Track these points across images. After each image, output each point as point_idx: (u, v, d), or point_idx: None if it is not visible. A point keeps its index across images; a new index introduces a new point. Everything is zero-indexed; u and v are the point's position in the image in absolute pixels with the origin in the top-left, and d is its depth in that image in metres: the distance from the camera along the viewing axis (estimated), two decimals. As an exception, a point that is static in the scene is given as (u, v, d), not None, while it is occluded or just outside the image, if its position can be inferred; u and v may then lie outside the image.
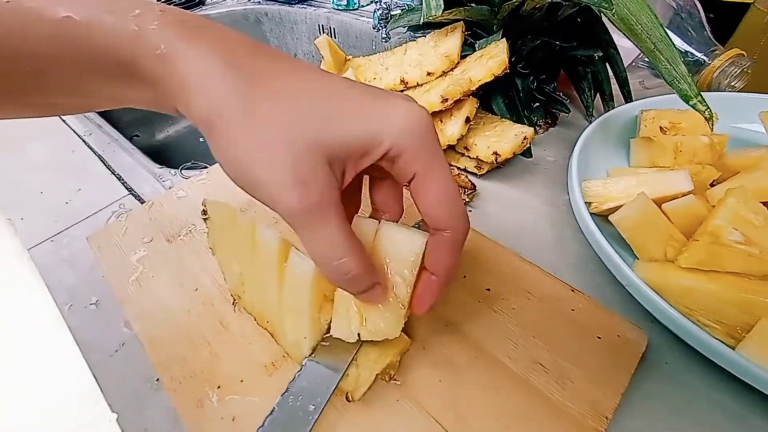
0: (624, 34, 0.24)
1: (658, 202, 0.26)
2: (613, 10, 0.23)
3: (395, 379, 0.22)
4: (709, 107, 0.23)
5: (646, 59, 0.43)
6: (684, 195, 0.25)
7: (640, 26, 0.24)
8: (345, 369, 0.20)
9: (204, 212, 0.25)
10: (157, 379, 0.24)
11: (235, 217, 0.24)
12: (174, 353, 0.24)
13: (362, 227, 0.20)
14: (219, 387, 0.22)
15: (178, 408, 0.21)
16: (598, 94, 0.41)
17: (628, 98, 0.39)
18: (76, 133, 0.47)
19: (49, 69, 0.16)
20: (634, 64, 0.48)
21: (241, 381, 0.22)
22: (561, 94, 0.42)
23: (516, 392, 0.21)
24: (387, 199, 0.21)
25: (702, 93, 0.36)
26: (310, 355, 0.21)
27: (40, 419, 0.24)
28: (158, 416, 0.22)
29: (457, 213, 0.18)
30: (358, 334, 0.20)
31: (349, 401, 0.20)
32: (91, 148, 0.45)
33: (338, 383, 0.20)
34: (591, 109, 0.41)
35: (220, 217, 0.24)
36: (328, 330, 0.22)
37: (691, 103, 0.24)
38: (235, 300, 0.25)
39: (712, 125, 0.24)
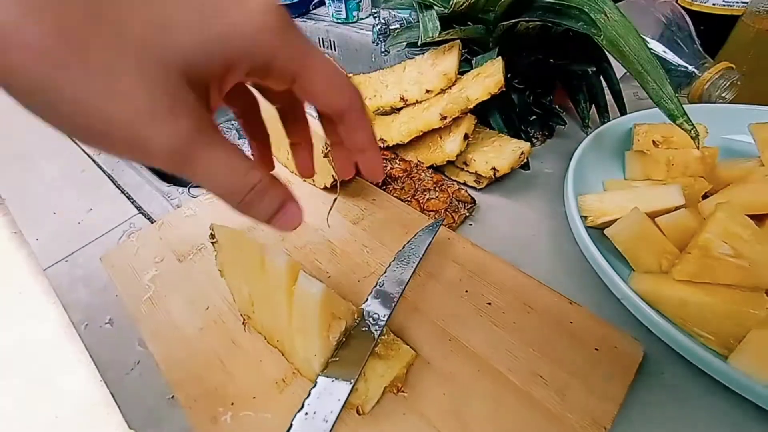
0: (613, 56, 0.25)
1: (652, 216, 0.26)
2: (602, 35, 0.24)
3: (403, 391, 0.22)
4: (694, 126, 0.24)
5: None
6: (676, 209, 0.26)
7: (628, 48, 0.25)
8: (355, 382, 0.21)
9: (212, 236, 0.26)
10: (172, 396, 0.25)
11: (242, 240, 0.25)
12: (188, 371, 0.24)
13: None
14: (233, 404, 0.23)
15: (193, 425, 0.22)
16: (593, 106, 0.42)
17: (622, 109, 0.40)
18: (85, 152, 0.49)
19: None
20: (627, 75, 0.49)
21: (254, 398, 0.23)
22: (557, 106, 0.43)
23: (518, 404, 0.22)
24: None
25: (693, 104, 0.37)
26: (321, 372, 0.22)
27: (59, 437, 0.25)
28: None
29: (349, 89, 0.17)
30: None
31: (359, 414, 0.21)
32: (100, 167, 0.46)
33: (348, 396, 0.21)
34: (587, 120, 0.42)
35: (228, 240, 0.25)
36: (337, 347, 0.23)
37: (677, 122, 0.24)
38: (244, 320, 0.26)
39: (698, 144, 0.25)
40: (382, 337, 0.24)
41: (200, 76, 0.13)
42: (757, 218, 0.24)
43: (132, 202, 0.41)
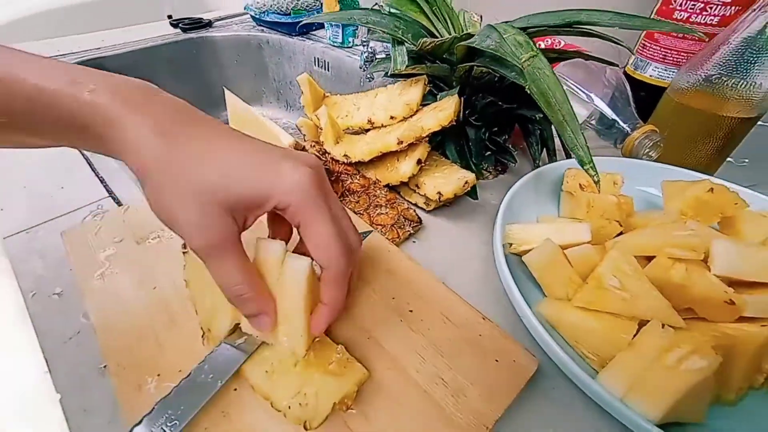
0: (540, 106, 0.29)
1: (564, 248, 0.30)
2: (527, 84, 0.28)
3: (352, 409, 0.23)
4: (597, 173, 0.28)
5: (593, 122, 0.49)
6: (584, 244, 0.30)
7: (554, 100, 0.29)
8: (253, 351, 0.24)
9: (184, 246, 0.27)
10: (104, 366, 0.26)
11: None
12: (123, 343, 0.26)
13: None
14: (159, 375, 0.24)
15: (117, 391, 0.24)
16: (545, 149, 0.46)
17: (568, 154, 0.45)
18: (67, 135, 0.50)
19: (25, 121, 0.21)
20: (583, 125, 0.54)
21: (180, 371, 0.25)
22: (512, 146, 0.47)
23: (416, 402, 0.24)
24: (278, 228, 0.27)
25: (623, 158, 0.41)
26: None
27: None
28: (100, 399, 0.25)
29: (335, 255, 0.22)
30: None
31: (306, 430, 0.22)
32: (79, 150, 0.48)
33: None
34: (538, 161, 0.46)
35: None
36: None
37: (585, 167, 0.28)
38: (204, 333, 0.26)
39: (599, 188, 0.29)
40: (337, 356, 0.25)
41: (240, 210, 0.21)
42: (648, 259, 0.28)
43: (104, 186, 0.43)
